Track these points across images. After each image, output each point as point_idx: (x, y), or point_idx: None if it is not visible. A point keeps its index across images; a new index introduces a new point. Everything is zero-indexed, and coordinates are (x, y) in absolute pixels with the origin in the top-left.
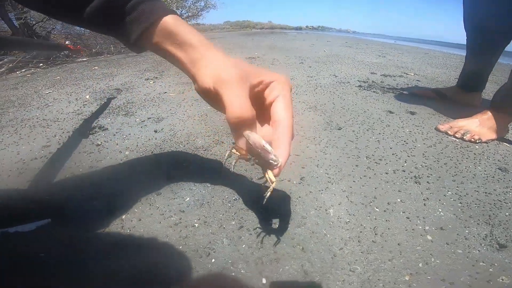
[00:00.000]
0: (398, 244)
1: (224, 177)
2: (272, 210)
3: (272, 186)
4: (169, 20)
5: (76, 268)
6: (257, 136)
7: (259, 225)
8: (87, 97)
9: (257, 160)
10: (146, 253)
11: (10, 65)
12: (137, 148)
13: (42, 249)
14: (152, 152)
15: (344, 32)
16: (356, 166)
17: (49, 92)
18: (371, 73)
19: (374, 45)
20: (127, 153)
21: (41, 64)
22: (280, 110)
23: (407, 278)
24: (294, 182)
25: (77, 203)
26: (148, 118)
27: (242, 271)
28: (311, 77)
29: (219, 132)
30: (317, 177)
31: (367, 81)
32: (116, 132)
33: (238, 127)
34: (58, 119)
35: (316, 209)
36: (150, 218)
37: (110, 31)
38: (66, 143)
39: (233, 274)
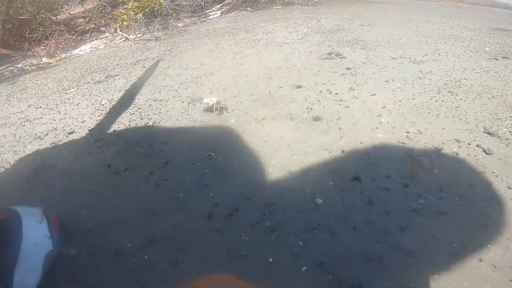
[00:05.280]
0: None
1: None
2: None
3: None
4: None
5: None
6: None
7: None
8: (305, 30)
9: None
10: None
11: (228, 7)
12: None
13: None
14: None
15: None
16: None
17: (265, 25)
18: None
19: None
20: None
21: (248, 8)
22: None
23: None
24: None
25: None
26: (402, 57)
27: None
28: None
29: None
30: None
31: None
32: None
33: None
34: (287, 42)
35: None
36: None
37: None
38: (304, 58)
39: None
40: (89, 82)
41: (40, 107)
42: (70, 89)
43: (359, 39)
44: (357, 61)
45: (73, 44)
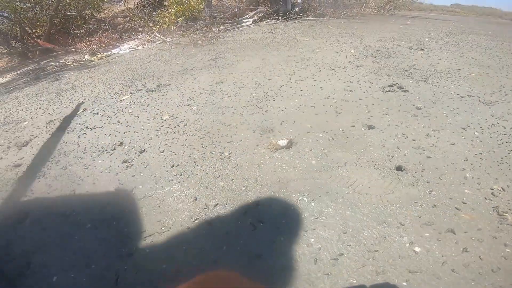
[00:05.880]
0: None
1: None
2: None
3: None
4: None
5: None
6: None
7: None
8: (352, 51)
9: None
10: None
11: (259, 15)
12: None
13: None
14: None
15: None
16: None
17: (307, 40)
18: None
19: None
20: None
21: (280, 18)
22: None
23: None
24: None
25: None
26: (471, 96)
27: None
28: None
29: None
30: None
31: None
32: (418, 94)
33: None
34: (339, 66)
35: None
36: None
37: None
38: (366, 90)
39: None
40: (141, 90)
41: (97, 113)
42: (124, 96)
43: (416, 68)
44: (425, 99)
45: (113, 43)
